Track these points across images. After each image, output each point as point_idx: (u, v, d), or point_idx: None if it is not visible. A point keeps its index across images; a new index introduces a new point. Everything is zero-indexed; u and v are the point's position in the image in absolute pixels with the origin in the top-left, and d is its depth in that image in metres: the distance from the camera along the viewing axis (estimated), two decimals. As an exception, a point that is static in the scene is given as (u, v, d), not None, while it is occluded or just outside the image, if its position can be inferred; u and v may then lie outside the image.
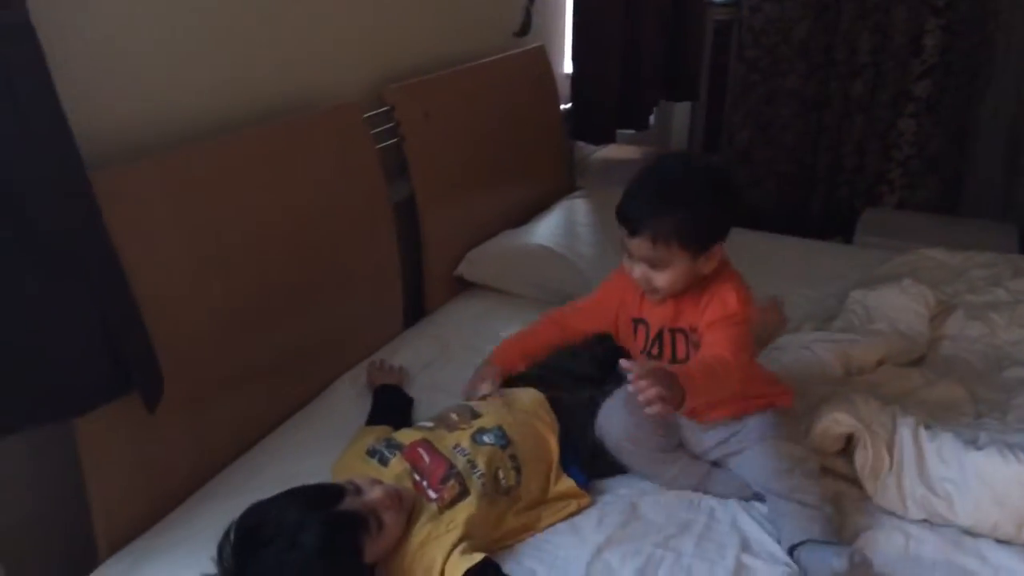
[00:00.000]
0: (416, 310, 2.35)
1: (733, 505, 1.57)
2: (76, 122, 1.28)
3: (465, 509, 1.43)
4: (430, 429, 1.61)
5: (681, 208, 1.46)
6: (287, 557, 1.24)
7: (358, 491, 1.36)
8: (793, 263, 2.69)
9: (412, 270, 2.33)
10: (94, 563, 1.47)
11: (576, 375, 1.80)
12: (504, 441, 1.56)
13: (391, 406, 1.84)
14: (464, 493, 1.46)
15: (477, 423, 1.60)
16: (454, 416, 1.63)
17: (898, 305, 2.13)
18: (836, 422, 1.60)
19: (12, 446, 1.33)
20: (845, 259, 2.73)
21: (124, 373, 1.41)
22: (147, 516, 1.55)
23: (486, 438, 1.56)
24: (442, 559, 1.35)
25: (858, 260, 2.69)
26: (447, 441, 1.56)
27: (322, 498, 1.33)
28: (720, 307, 1.51)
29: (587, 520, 1.54)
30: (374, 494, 1.36)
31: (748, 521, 1.53)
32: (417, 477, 1.48)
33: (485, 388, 1.71)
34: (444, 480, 1.47)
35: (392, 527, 1.36)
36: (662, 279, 1.51)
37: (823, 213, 3.99)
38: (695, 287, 1.55)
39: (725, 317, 1.50)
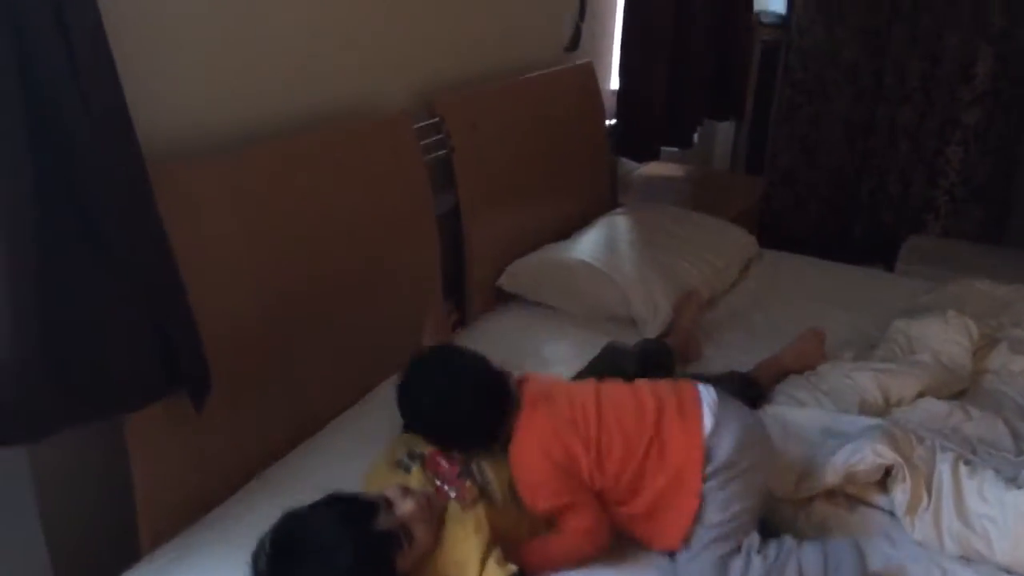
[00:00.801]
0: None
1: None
2: (137, 118, 1.31)
3: (485, 511, 1.44)
4: None
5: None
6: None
7: (390, 506, 1.36)
8: (833, 288, 2.68)
9: (453, 280, 2.35)
10: (137, 556, 1.50)
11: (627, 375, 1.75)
12: None
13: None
14: (477, 499, 1.46)
15: None
16: None
17: (941, 337, 2.11)
18: (876, 454, 1.59)
19: (60, 439, 1.36)
20: (886, 287, 2.71)
21: (173, 371, 1.44)
22: (191, 512, 1.58)
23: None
24: (477, 562, 1.36)
25: (900, 288, 2.67)
26: None
27: (356, 513, 1.33)
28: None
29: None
30: (406, 508, 1.36)
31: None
32: (438, 482, 1.48)
33: None
34: (461, 475, 1.47)
35: (423, 539, 1.37)
36: None
37: (864, 239, 3.95)
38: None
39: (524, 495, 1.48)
